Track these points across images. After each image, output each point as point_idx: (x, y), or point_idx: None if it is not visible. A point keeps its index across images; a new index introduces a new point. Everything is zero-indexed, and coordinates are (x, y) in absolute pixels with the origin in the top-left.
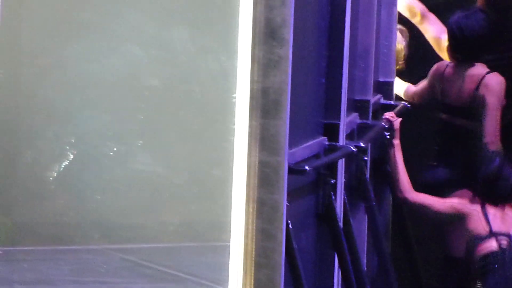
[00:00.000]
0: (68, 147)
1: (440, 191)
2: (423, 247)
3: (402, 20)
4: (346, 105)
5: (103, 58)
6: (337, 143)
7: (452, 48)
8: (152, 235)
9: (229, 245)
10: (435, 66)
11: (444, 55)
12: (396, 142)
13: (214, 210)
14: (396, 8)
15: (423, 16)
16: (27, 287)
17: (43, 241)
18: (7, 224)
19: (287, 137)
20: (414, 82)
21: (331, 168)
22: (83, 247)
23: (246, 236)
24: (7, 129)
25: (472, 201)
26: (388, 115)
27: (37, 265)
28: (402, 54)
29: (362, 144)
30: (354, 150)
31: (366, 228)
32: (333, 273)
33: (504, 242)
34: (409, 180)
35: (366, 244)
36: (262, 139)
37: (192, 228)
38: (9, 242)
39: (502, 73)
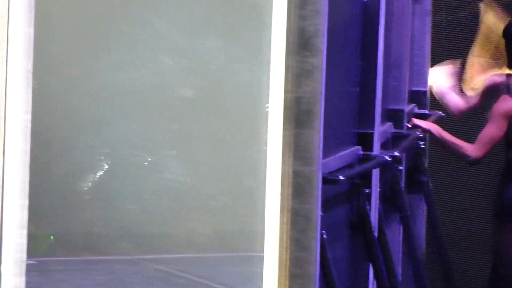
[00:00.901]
0: (100, 158)
1: None
2: (458, 257)
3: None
4: (380, 114)
5: (134, 68)
6: (371, 153)
7: None
8: (184, 245)
9: (263, 255)
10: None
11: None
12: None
13: (247, 220)
14: (429, 17)
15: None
16: None
17: (76, 251)
18: (41, 235)
19: (321, 147)
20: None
21: (365, 178)
22: (115, 257)
23: (280, 247)
24: (40, 140)
25: None
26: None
27: (71, 276)
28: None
29: (396, 154)
30: (389, 159)
31: (401, 238)
32: (368, 284)
33: None
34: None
35: (401, 255)
36: (296, 148)
37: (225, 238)
38: (42, 253)
39: None
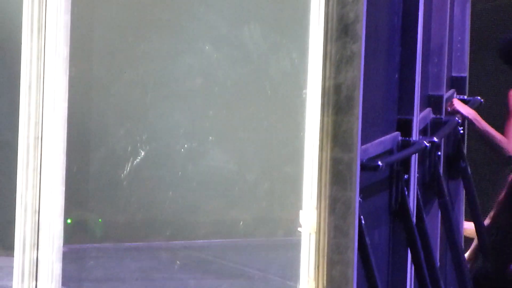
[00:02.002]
0: (141, 145)
1: None
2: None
3: None
4: (419, 100)
5: (175, 56)
6: (411, 139)
7: None
8: (223, 231)
9: (301, 241)
10: None
11: None
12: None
13: (286, 207)
14: (469, 4)
15: None
16: (95, 284)
17: (112, 238)
18: (79, 222)
19: (360, 133)
20: None
21: (404, 164)
22: (151, 243)
23: (318, 233)
24: (80, 127)
25: None
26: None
27: (104, 263)
28: None
29: (435, 140)
30: (428, 145)
31: (440, 224)
32: (406, 269)
33: None
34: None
35: (439, 240)
36: (335, 135)
37: (264, 225)
38: (78, 240)
39: None
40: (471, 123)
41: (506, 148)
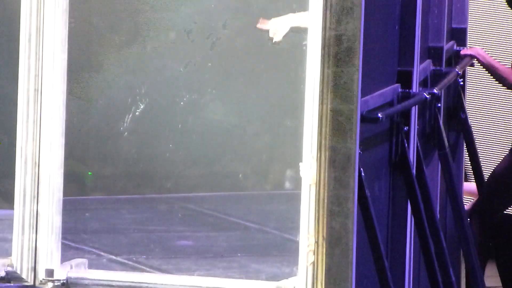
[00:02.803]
0: (139, 97)
1: None
2: None
3: None
4: (419, 52)
5: (175, 7)
6: (411, 90)
7: None
8: (222, 184)
9: (301, 193)
10: None
11: None
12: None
13: (286, 159)
14: None
15: None
16: (92, 236)
17: (111, 191)
18: (77, 174)
19: (360, 85)
20: None
21: (405, 116)
22: (149, 196)
23: (318, 185)
24: (79, 79)
25: None
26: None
27: (101, 214)
28: None
29: (435, 91)
30: (428, 97)
31: (440, 176)
32: (406, 221)
33: None
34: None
35: (439, 192)
36: (335, 87)
37: (264, 177)
38: (77, 192)
39: None
40: (476, 59)
41: (509, 77)
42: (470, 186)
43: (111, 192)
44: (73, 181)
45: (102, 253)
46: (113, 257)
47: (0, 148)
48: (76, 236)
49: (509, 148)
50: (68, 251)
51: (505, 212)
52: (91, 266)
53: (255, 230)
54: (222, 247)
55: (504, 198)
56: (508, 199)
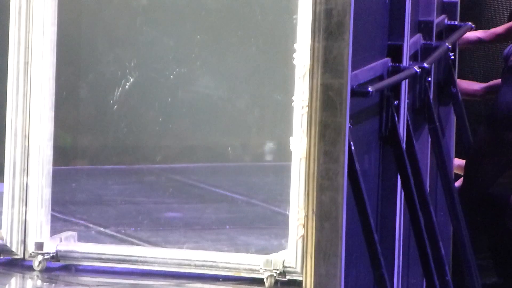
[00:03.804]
0: (128, 70)
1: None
2: None
3: None
4: (410, 26)
5: None
6: (401, 65)
7: None
8: (211, 156)
9: (291, 167)
10: None
11: None
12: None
13: (276, 133)
14: None
15: None
16: (79, 208)
17: (98, 161)
18: (65, 144)
19: (350, 59)
20: None
21: (395, 90)
22: (136, 166)
23: (308, 159)
24: (69, 52)
25: None
26: None
27: (87, 185)
28: None
29: (425, 65)
30: (418, 71)
31: (430, 150)
32: (396, 195)
33: None
34: None
35: (429, 166)
36: (325, 61)
37: (252, 151)
38: (64, 162)
39: None
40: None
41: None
42: (461, 161)
43: (98, 162)
44: (60, 152)
45: (91, 225)
46: (102, 229)
47: None
48: (64, 208)
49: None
50: (57, 222)
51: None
52: (80, 238)
53: (243, 203)
54: (210, 219)
55: (485, 174)
56: (489, 176)
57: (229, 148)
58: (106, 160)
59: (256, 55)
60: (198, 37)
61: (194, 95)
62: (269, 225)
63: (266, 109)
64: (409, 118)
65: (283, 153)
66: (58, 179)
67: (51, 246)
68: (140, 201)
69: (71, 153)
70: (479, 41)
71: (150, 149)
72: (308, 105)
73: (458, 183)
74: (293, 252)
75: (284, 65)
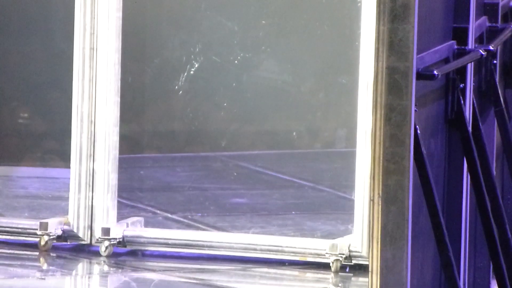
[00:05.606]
0: (193, 56)
1: None
2: None
3: None
4: (475, 8)
5: None
6: (466, 47)
7: None
8: (276, 142)
9: (356, 151)
10: None
11: None
12: None
13: (341, 117)
14: None
15: None
16: (147, 194)
17: (166, 149)
18: (134, 131)
19: (416, 42)
20: None
21: (460, 73)
22: (203, 154)
23: (374, 142)
24: (134, 37)
25: None
26: None
27: (155, 172)
28: None
29: (491, 48)
30: (483, 54)
31: (496, 133)
32: (462, 178)
33: None
34: None
35: (495, 149)
36: (390, 44)
37: (318, 136)
38: (132, 150)
39: None
40: None
41: None
42: None
43: (166, 150)
44: (128, 139)
45: (158, 211)
46: (169, 215)
47: (56, 107)
48: (131, 194)
49: None
50: (124, 209)
51: None
52: (147, 224)
53: (309, 188)
54: (276, 205)
55: None
56: None
57: (294, 133)
58: (173, 148)
59: (320, 38)
60: (263, 22)
61: (259, 80)
62: (336, 210)
63: (331, 93)
64: (475, 101)
65: (350, 138)
66: (126, 167)
67: (118, 231)
68: (207, 187)
69: (138, 141)
70: None
71: (215, 134)
72: (373, 89)
73: None
74: (359, 236)
75: (350, 48)
